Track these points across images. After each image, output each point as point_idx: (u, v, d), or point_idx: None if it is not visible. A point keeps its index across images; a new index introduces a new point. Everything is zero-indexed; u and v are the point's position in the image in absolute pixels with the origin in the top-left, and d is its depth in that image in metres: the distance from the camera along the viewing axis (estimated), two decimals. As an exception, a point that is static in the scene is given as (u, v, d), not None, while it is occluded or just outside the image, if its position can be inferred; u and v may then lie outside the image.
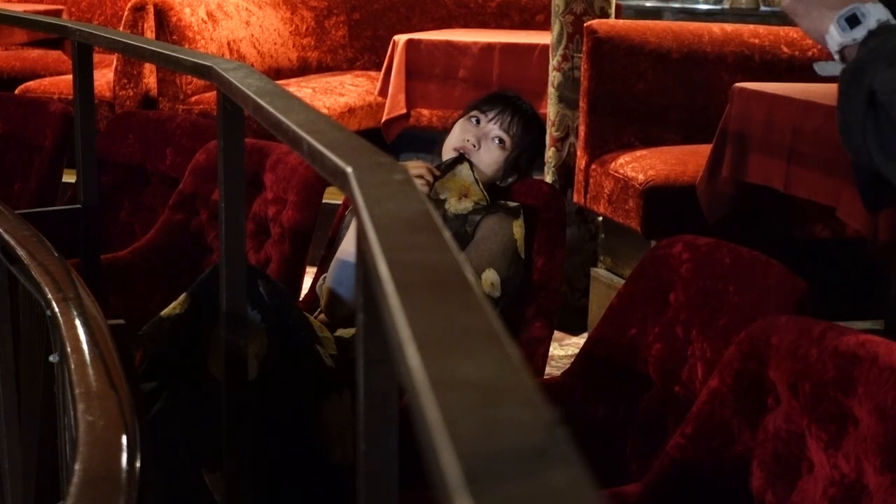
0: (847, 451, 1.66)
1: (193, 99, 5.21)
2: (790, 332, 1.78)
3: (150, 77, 5.26)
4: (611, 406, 2.29)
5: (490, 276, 2.60)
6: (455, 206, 2.68)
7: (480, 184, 2.69)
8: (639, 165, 3.71)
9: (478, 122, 2.75)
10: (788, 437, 1.77)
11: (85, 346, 1.58)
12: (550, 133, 4.13)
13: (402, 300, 0.73)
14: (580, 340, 3.95)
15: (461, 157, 2.71)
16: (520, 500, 0.53)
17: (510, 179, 2.77)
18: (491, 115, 2.75)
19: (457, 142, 2.74)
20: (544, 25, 5.31)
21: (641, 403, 2.27)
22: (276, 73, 5.79)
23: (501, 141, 2.73)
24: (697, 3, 7.09)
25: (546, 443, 0.56)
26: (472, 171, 2.70)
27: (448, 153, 2.75)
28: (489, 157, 2.73)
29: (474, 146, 2.72)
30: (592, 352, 2.35)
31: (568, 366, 2.41)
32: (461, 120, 2.78)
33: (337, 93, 5.53)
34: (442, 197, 2.68)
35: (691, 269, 2.23)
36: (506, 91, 2.89)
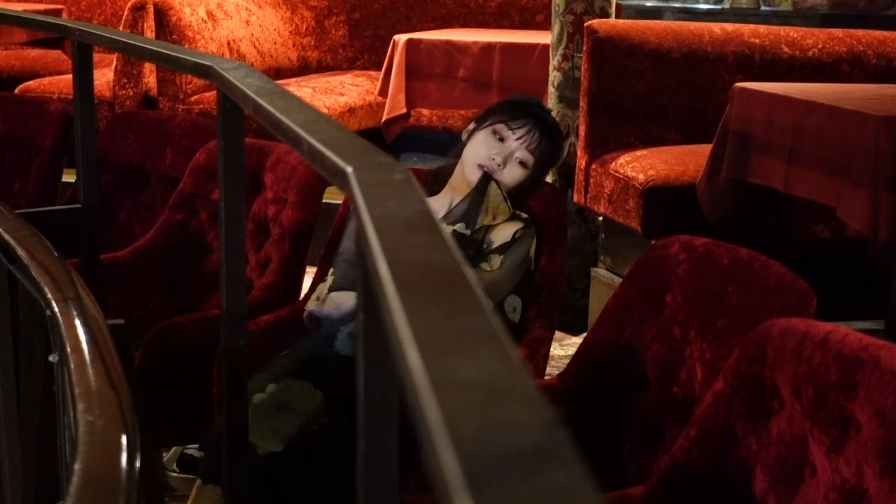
0: (848, 456, 1.66)
1: (193, 99, 5.21)
2: (794, 335, 1.77)
3: (149, 77, 5.26)
4: (609, 407, 2.28)
5: (513, 301, 2.59)
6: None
7: (508, 201, 2.67)
8: (639, 165, 3.71)
9: (502, 137, 2.69)
10: (791, 441, 1.77)
11: (85, 346, 1.58)
12: (550, 133, 4.13)
13: (402, 300, 0.73)
14: (580, 340, 3.95)
15: (487, 178, 2.67)
16: (520, 500, 0.53)
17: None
18: (519, 133, 2.68)
19: (482, 159, 2.67)
20: (544, 25, 5.31)
21: (639, 404, 2.26)
22: (276, 72, 5.79)
23: (526, 161, 2.70)
24: (698, 2, 7.09)
25: (546, 443, 0.56)
26: (500, 188, 2.67)
27: (471, 167, 2.69)
28: (512, 176, 2.69)
29: (499, 165, 2.68)
30: (589, 353, 2.34)
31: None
32: (484, 132, 2.70)
33: (337, 92, 5.54)
34: (479, 226, 2.65)
35: (689, 269, 2.22)
36: (530, 101, 2.80)
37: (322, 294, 2.62)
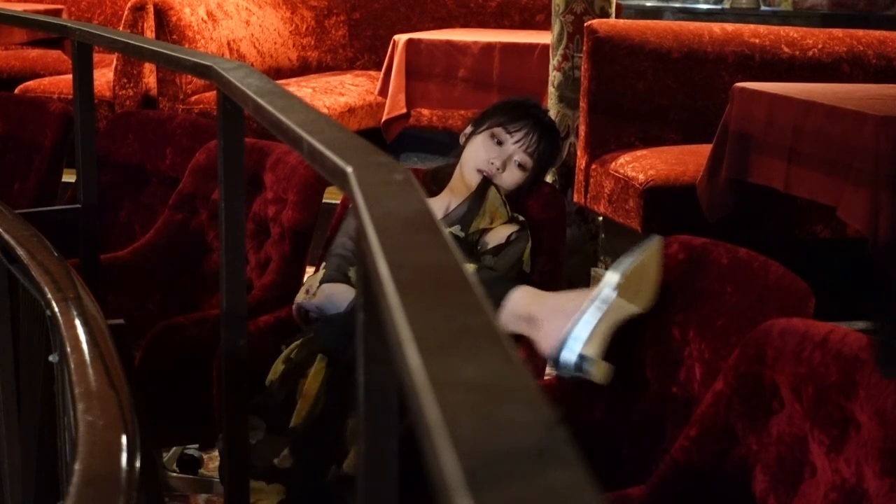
0: (848, 456, 1.66)
1: (193, 99, 5.21)
2: (794, 335, 1.77)
3: (150, 77, 5.26)
4: (608, 407, 2.28)
5: None
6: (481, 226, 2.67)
7: (507, 205, 2.68)
8: (639, 165, 3.71)
9: (500, 141, 2.69)
10: (791, 441, 1.77)
11: (85, 346, 1.58)
12: (550, 133, 4.13)
13: (402, 300, 0.73)
14: (580, 340, 3.94)
15: (487, 182, 2.68)
16: (520, 500, 0.53)
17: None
18: (517, 136, 2.69)
19: (481, 163, 2.68)
20: (544, 25, 5.32)
21: (639, 404, 2.26)
22: (276, 72, 5.79)
23: (524, 163, 2.71)
24: (698, 2, 7.09)
25: (546, 443, 0.56)
26: (500, 193, 2.68)
27: (470, 171, 2.69)
28: (511, 179, 2.70)
29: (498, 169, 2.68)
30: (590, 352, 2.34)
31: (568, 366, 2.40)
32: (482, 136, 2.71)
33: (337, 93, 5.53)
34: (472, 230, 2.65)
35: (688, 269, 2.22)
36: (527, 102, 2.81)
37: (312, 287, 2.62)
